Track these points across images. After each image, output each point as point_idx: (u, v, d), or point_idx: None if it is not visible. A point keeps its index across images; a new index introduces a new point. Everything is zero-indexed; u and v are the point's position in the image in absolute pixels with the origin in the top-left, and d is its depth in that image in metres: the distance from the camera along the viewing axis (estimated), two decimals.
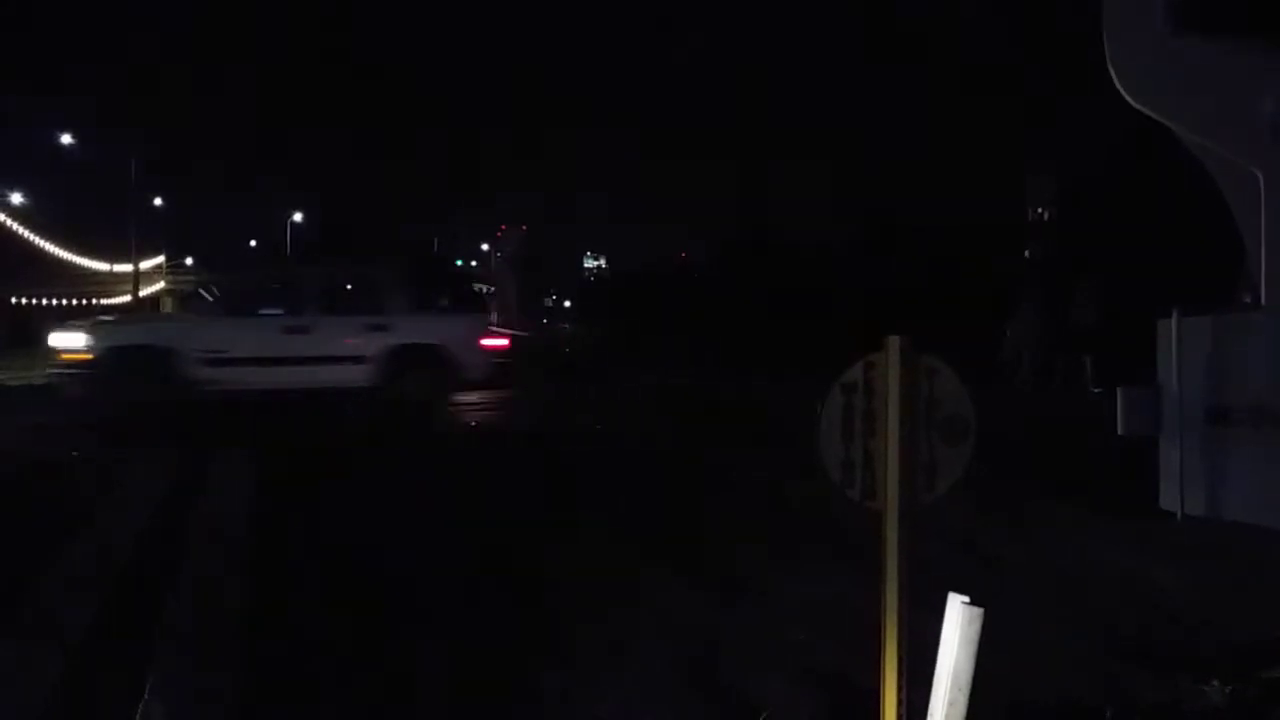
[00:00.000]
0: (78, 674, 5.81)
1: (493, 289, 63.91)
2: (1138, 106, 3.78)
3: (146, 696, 5.33)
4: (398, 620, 6.75)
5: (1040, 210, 29.12)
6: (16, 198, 59.94)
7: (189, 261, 73.20)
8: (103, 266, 66.89)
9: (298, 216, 72.52)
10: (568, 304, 68.80)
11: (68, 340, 17.90)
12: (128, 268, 52.37)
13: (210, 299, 20.52)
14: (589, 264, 75.51)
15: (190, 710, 5.30)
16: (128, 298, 53.12)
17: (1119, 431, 3.72)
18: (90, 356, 17.15)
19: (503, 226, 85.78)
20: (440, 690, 5.55)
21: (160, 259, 66.39)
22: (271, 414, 17.74)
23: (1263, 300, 3.50)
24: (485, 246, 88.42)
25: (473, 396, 21.21)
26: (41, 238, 63.12)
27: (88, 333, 17.80)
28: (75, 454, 15.19)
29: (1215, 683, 4.91)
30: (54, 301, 67.51)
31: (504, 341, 21.31)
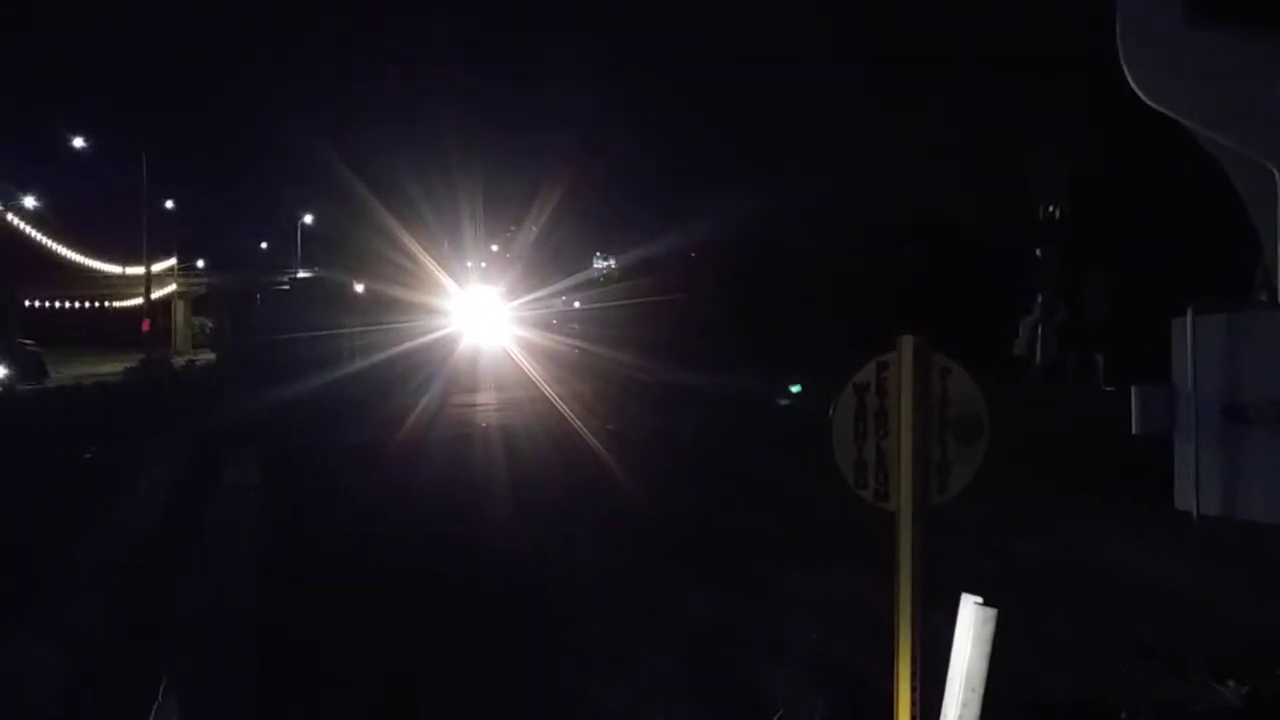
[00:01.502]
0: None
1: None
2: (1150, 103, 3.74)
3: None
4: None
5: (1050, 208, 28.93)
6: (30, 201, 60.14)
7: (200, 264, 73.36)
8: (115, 269, 67.01)
9: (308, 218, 72.70)
10: (577, 304, 68.59)
11: None
12: (140, 270, 52.51)
13: None
14: (598, 264, 75.20)
15: None
16: (139, 300, 53.29)
17: (1133, 430, 3.68)
18: None
19: (510, 228, 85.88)
20: None
21: (172, 261, 66.43)
22: None
23: (1279, 298, 3.46)
24: (495, 247, 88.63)
25: None
26: (55, 241, 63.34)
27: None
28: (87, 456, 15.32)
29: (1231, 682, 4.87)
30: (68, 304, 67.88)
31: None
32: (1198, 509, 3.63)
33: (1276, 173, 3.44)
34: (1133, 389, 3.79)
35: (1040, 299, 28.91)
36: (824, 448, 3.63)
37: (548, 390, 26.41)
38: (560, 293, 67.64)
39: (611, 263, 72.59)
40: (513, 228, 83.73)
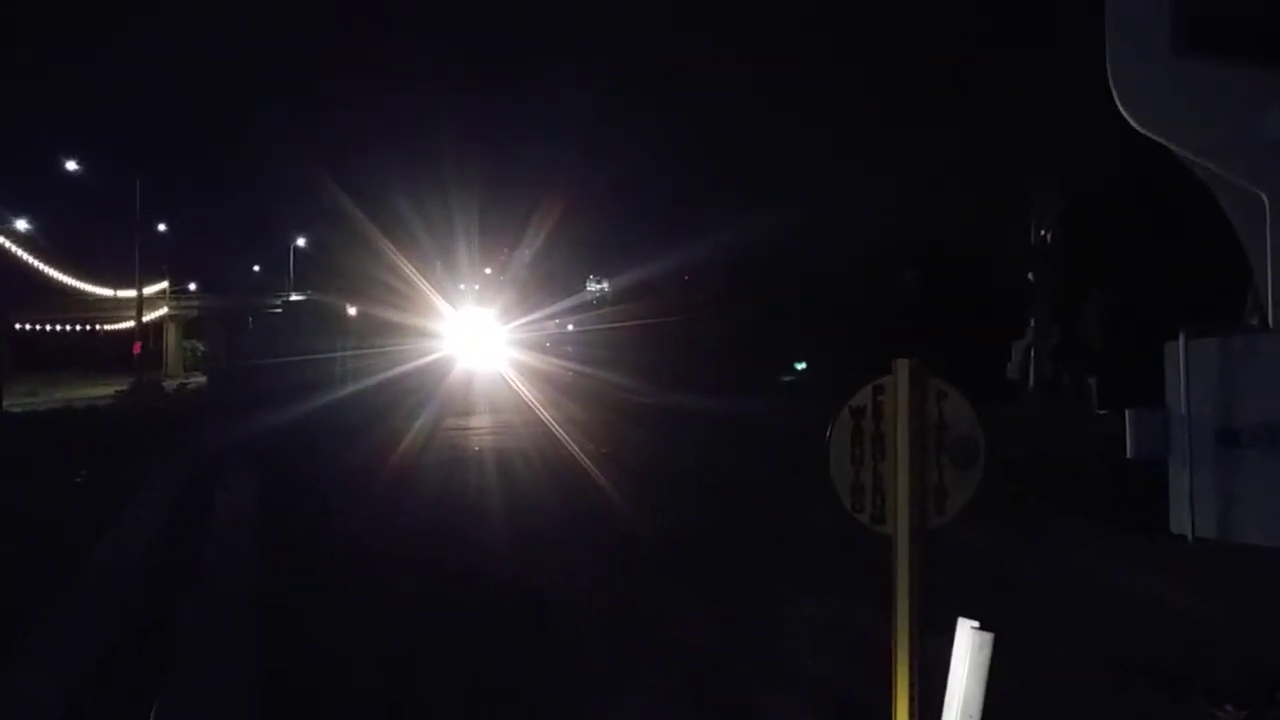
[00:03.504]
0: None
1: None
2: (1140, 128, 3.78)
3: None
4: None
5: (1043, 231, 29.16)
6: (21, 224, 60.03)
7: (192, 287, 73.28)
8: (107, 292, 66.92)
9: (300, 241, 72.69)
10: (570, 327, 68.66)
11: None
12: (132, 293, 52.41)
13: None
14: (591, 287, 75.42)
15: None
16: (131, 323, 53.14)
17: (1128, 454, 3.69)
18: None
19: (503, 250, 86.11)
20: None
21: (164, 284, 66.28)
22: None
23: (1270, 323, 3.49)
24: (489, 270, 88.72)
25: None
26: (46, 264, 63.19)
27: None
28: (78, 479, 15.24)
29: (1229, 707, 4.86)
30: (59, 328, 67.67)
31: None
32: (1193, 532, 3.64)
33: (1266, 200, 3.48)
34: (1126, 412, 3.81)
35: (1033, 322, 29.05)
36: (824, 466, 3.63)
37: (543, 414, 26.38)
38: (554, 315, 67.67)
39: (605, 285, 72.73)
40: (506, 250, 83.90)
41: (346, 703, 5.76)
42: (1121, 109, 3.82)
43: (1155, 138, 3.82)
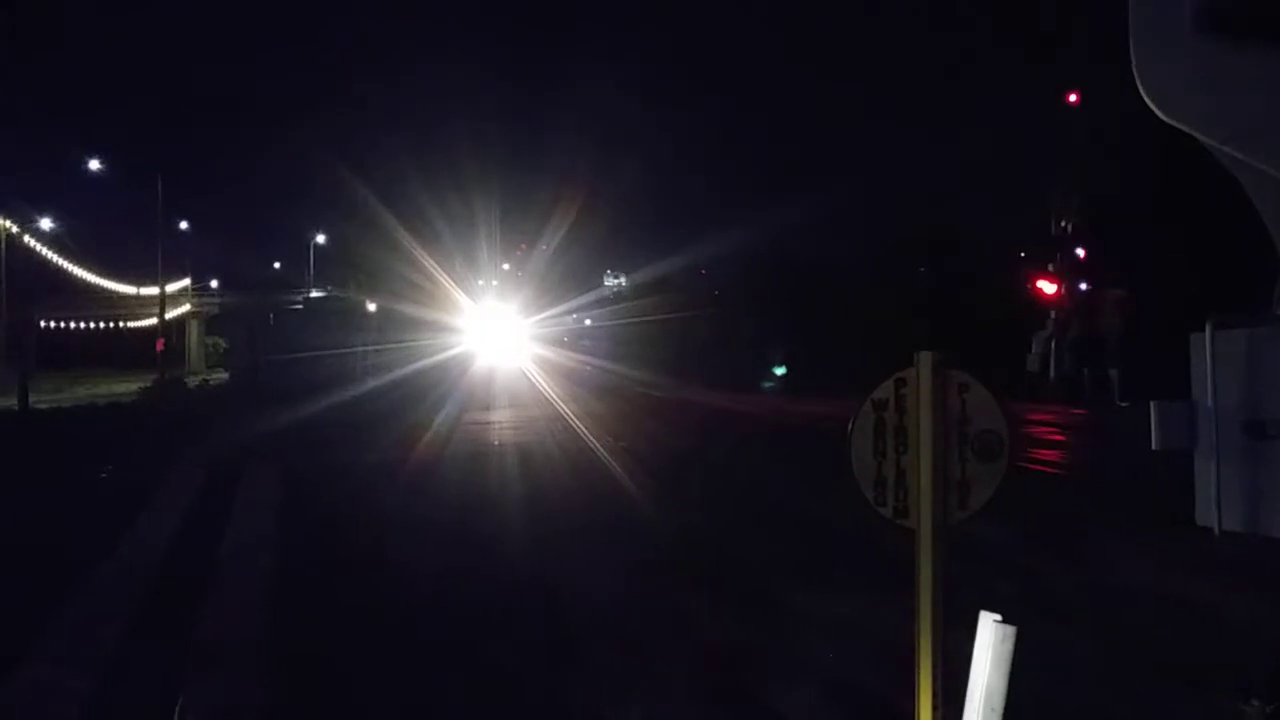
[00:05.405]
0: None
1: None
2: (1165, 118, 3.73)
3: None
4: None
5: (1064, 224, 28.91)
6: (46, 223, 60.69)
7: (214, 284, 73.91)
8: (129, 290, 67.63)
9: (320, 238, 73.07)
10: (588, 322, 68.71)
11: None
12: (154, 290, 52.83)
13: None
14: (609, 282, 75.47)
15: None
16: (154, 320, 53.59)
17: (1153, 446, 3.65)
18: None
19: (521, 246, 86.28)
20: None
21: (186, 282, 66.85)
22: None
23: None
24: (506, 266, 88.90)
25: None
26: (70, 262, 63.92)
27: None
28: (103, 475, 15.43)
29: (1255, 702, 4.80)
30: (82, 325, 68.48)
31: None
32: (1219, 525, 3.60)
33: None
34: (1152, 405, 3.77)
35: (1054, 314, 28.82)
36: (844, 466, 3.61)
37: (563, 408, 26.42)
38: (571, 310, 67.75)
39: (622, 280, 72.80)
40: (524, 246, 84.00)
41: (365, 695, 5.79)
42: (1145, 97, 3.77)
43: (1180, 125, 3.77)
